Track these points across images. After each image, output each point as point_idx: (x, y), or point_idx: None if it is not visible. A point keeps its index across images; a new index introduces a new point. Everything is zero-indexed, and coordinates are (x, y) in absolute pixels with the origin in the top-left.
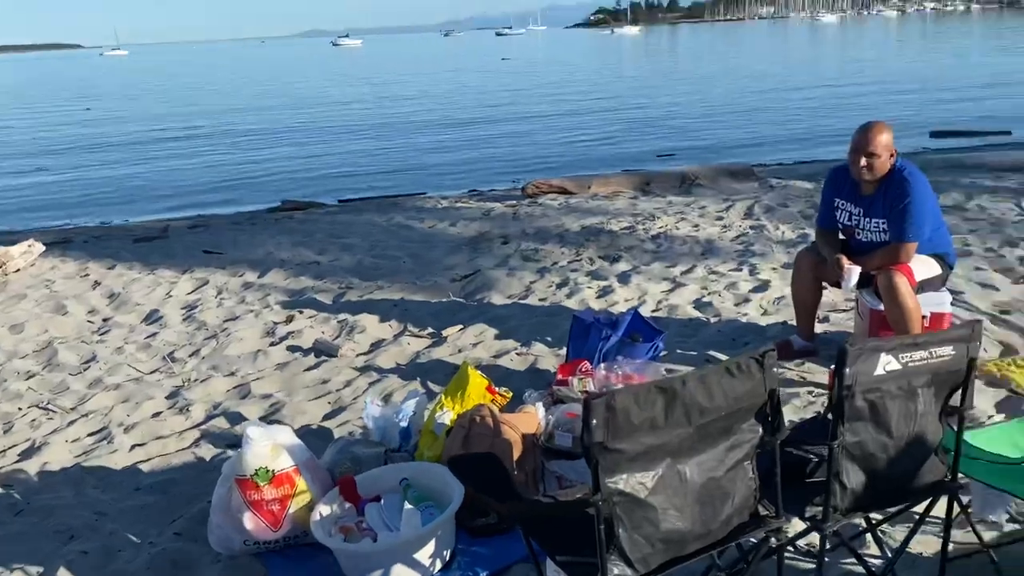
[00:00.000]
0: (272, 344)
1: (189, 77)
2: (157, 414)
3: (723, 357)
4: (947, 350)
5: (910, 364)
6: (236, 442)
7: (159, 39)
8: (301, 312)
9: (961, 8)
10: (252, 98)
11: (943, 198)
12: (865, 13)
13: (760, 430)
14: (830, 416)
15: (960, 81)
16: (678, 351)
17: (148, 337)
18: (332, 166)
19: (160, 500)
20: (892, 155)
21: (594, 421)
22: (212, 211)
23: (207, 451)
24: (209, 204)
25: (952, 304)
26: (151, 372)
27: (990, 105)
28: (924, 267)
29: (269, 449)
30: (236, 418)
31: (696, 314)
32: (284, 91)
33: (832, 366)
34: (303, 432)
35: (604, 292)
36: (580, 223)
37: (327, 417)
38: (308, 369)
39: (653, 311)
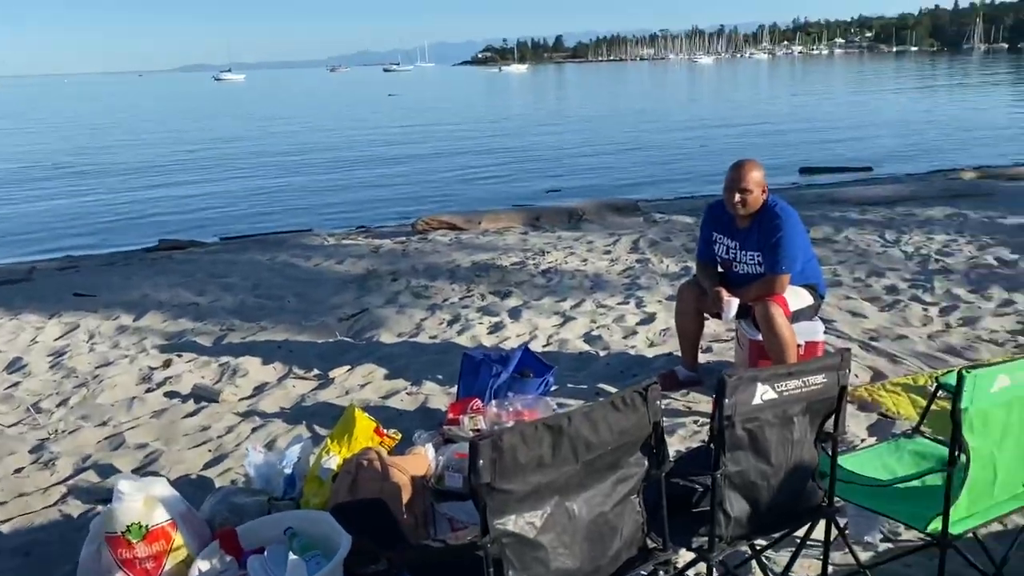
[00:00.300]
0: (148, 390)
1: (58, 112)
2: (19, 470)
3: (612, 389)
4: (819, 378)
5: (785, 393)
6: (107, 497)
7: (23, 71)
8: (180, 356)
9: (825, 52)
10: (125, 134)
11: (814, 231)
12: (739, 56)
13: (646, 463)
14: (713, 446)
15: (825, 120)
16: (569, 385)
17: (9, 387)
18: (213, 204)
19: (22, 564)
20: (764, 191)
21: (481, 462)
22: (84, 252)
23: (75, 508)
24: (80, 245)
25: (824, 332)
26: (12, 425)
27: (853, 143)
28: (797, 298)
29: (142, 503)
30: (107, 471)
31: (586, 347)
32: (162, 127)
33: (714, 395)
34: (181, 482)
35: (495, 328)
36: (471, 259)
37: (207, 466)
38: (187, 416)
39: (544, 346)
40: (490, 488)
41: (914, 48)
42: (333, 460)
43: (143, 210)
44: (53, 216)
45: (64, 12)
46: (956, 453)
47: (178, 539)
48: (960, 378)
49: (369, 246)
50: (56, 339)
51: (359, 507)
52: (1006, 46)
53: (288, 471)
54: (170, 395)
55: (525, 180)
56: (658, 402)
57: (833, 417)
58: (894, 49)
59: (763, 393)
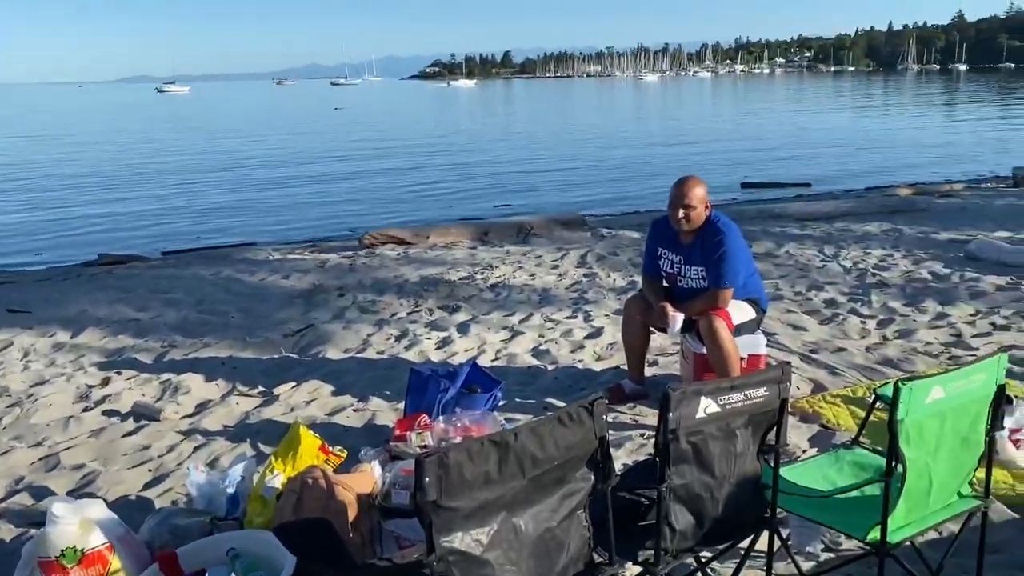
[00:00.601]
0: (86, 409)
1: None
2: None
3: (560, 404)
4: (761, 391)
5: (728, 406)
6: (40, 520)
7: None
8: (119, 373)
9: (767, 71)
10: (64, 147)
11: (756, 246)
12: (683, 74)
13: (592, 478)
14: (658, 459)
15: (766, 138)
16: (517, 400)
17: None
18: (156, 219)
19: None
20: (707, 207)
21: (427, 479)
22: (19, 267)
23: (6, 532)
24: (16, 261)
25: (766, 345)
26: None
27: (792, 159)
28: (740, 311)
29: (77, 526)
30: (42, 493)
31: (534, 362)
32: (102, 139)
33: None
34: (120, 504)
35: (444, 343)
36: (419, 273)
37: (147, 486)
38: (126, 435)
39: (493, 360)
40: (436, 505)
41: (851, 68)
42: (277, 479)
43: (83, 224)
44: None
45: None
46: (893, 463)
47: (115, 563)
48: (896, 390)
49: (315, 261)
50: None
51: (303, 527)
52: (937, 67)
53: (231, 490)
54: (109, 414)
55: (474, 195)
56: (604, 416)
57: (775, 429)
58: (832, 69)
59: (707, 407)
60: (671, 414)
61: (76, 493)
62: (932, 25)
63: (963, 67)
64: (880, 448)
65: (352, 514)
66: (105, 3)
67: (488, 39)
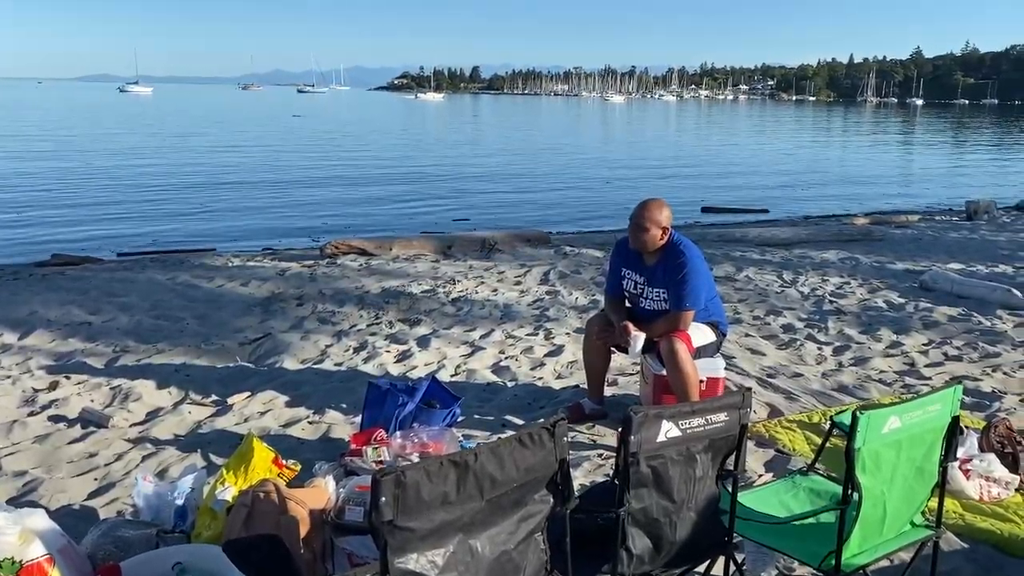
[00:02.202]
0: (31, 414)
1: None
2: None
3: (519, 421)
4: (721, 416)
5: (689, 430)
6: None
7: None
8: (68, 378)
9: (730, 97)
10: (22, 144)
11: (717, 269)
12: (649, 96)
13: (551, 500)
14: (617, 482)
15: (728, 162)
16: (476, 416)
17: None
18: (112, 220)
19: None
20: (666, 230)
21: (383, 499)
22: None
23: None
24: None
25: (725, 369)
26: None
27: (752, 185)
28: (701, 334)
29: (16, 537)
30: None
31: (494, 378)
32: (59, 136)
33: (620, 430)
34: (62, 513)
35: (403, 356)
36: (381, 285)
37: (92, 495)
38: (72, 442)
39: (452, 375)
40: (392, 525)
41: (812, 98)
42: (228, 491)
43: (35, 223)
44: None
45: None
46: (849, 491)
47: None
48: (854, 419)
49: (275, 268)
50: None
51: (253, 542)
52: (895, 100)
53: (179, 502)
54: (55, 419)
55: (435, 207)
56: (565, 439)
57: (734, 455)
58: (794, 98)
59: (668, 430)
60: (632, 437)
61: (17, 501)
62: (891, 59)
63: (920, 102)
64: (835, 475)
65: (304, 530)
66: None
67: (457, 54)
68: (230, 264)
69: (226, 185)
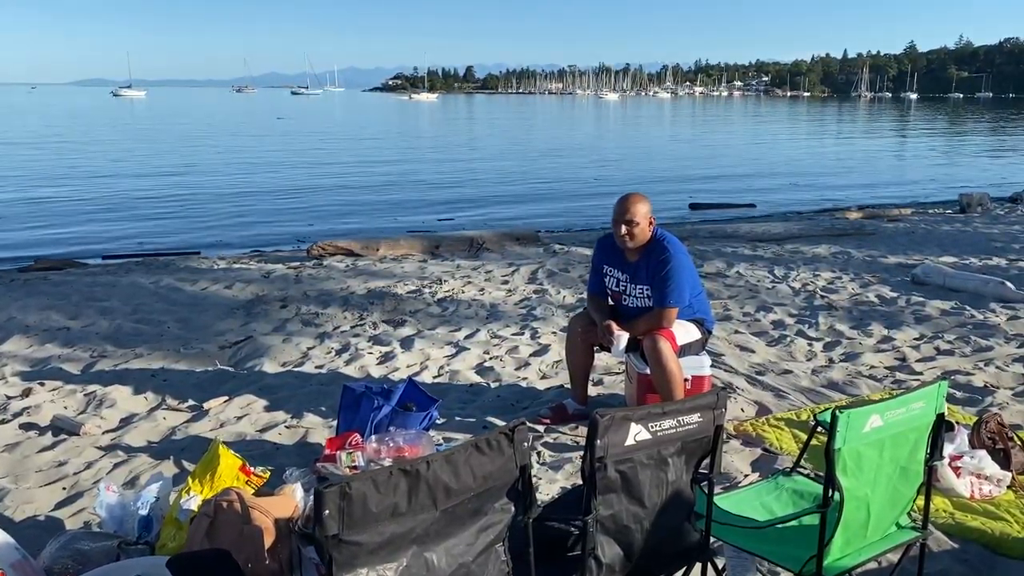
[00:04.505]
0: (2, 421)
1: None
2: None
3: (501, 423)
4: (694, 418)
5: (660, 433)
6: None
7: None
8: (42, 384)
9: (725, 93)
10: (9, 146)
11: (707, 266)
12: (643, 94)
13: (512, 509)
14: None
15: (718, 157)
16: (457, 418)
17: None
18: (97, 222)
19: None
20: (651, 224)
21: (326, 511)
22: None
23: None
24: None
25: (712, 366)
26: None
27: (741, 180)
28: (685, 332)
29: None
30: None
31: (477, 379)
32: (49, 140)
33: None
34: (27, 524)
35: (386, 358)
36: (366, 286)
37: (59, 506)
38: (42, 450)
39: (435, 377)
40: (337, 540)
41: (807, 93)
42: (194, 500)
43: (18, 227)
44: None
45: None
46: (830, 493)
47: None
48: (834, 418)
49: (260, 271)
50: None
51: (199, 558)
52: (889, 95)
53: (143, 512)
54: (26, 427)
55: (422, 207)
56: (525, 444)
57: (709, 457)
58: (788, 94)
59: (637, 433)
60: (598, 441)
61: None
62: (885, 54)
63: (914, 96)
64: (821, 475)
65: (269, 540)
66: (60, 3)
67: (451, 54)
68: (216, 266)
69: (215, 186)
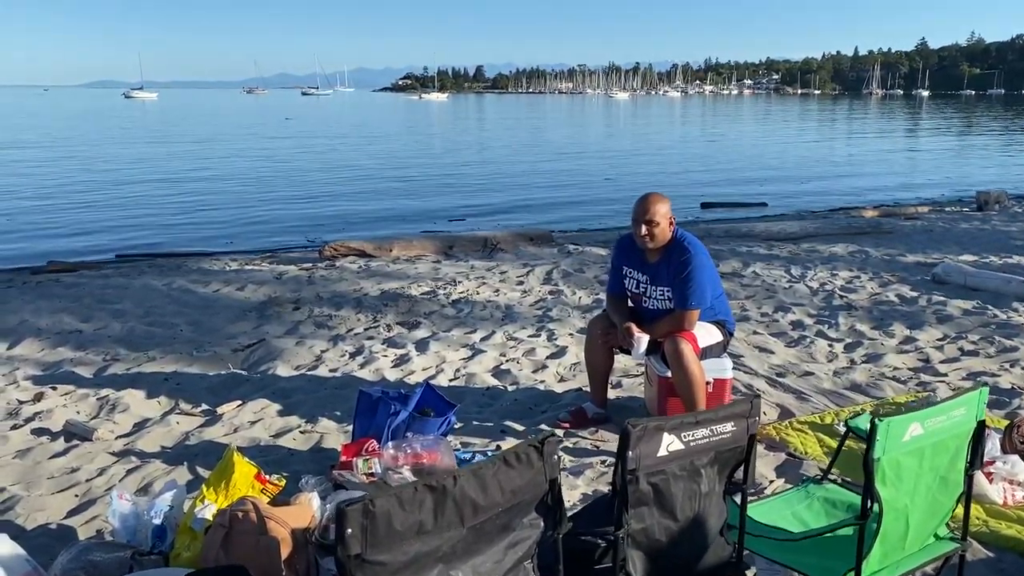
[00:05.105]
0: (14, 427)
1: None
2: None
3: (519, 427)
4: (728, 427)
5: (692, 443)
6: None
7: None
8: (54, 388)
9: (735, 92)
10: (24, 150)
11: (723, 265)
12: (653, 92)
13: (541, 524)
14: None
15: (729, 156)
16: (474, 423)
17: None
18: (112, 224)
19: None
20: (671, 223)
21: (349, 530)
22: None
23: None
24: None
25: (733, 368)
26: None
27: (753, 178)
28: (707, 334)
29: None
30: None
31: (494, 382)
32: (63, 142)
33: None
34: (39, 532)
35: (401, 361)
36: (380, 287)
37: (72, 513)
38: (55, 456)
39: (451, 380)
40: (360, 560)
41: (817, 91)
42: (209, 509)
43: (32, 228)
44: None
45: None
46: (869, 505)
47: None
48: (873, 427)
49: (273, 272)
50: None
51: (225, 572)
52: (901, 92)
53: (157, 521)
54: (38, 432)
55: (436, 206)
56: (555, 456)
57: (742, 466)
58: (799, 92)
59: (669, 444)
60: (630, 452)
61: None
62: (896, 51)
63: (925, 93)
64: (850, 479)
65: (286, 551)
66: (73, 6)
67: (461, 54)
68: (228, 268)
69: (225, 188)
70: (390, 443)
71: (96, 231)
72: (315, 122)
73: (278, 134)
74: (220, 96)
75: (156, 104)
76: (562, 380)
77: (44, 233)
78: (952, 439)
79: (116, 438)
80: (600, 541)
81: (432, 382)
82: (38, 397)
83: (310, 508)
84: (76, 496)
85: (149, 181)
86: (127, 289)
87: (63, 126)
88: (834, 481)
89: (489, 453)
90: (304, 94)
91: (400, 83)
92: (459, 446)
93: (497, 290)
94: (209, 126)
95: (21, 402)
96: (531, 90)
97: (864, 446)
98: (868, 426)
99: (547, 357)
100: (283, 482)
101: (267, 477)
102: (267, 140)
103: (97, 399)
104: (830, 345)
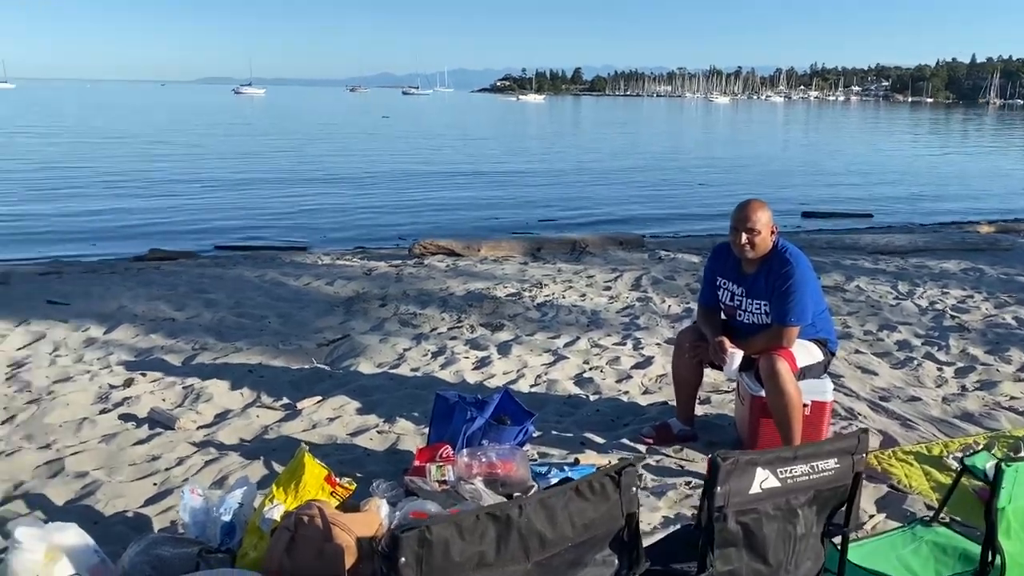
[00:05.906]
0: (103, 411)
1: (84, 119)
2: None
3: (600, 440)
4: (830, 463)
5: (790, 480)
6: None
7: (39, 74)
8: (144, 375)
9: (841, 98)
10: (143, 143)
11: (824, 278)
12: (755, 97)
13: (616, 562)
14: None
15: (833, 166)
16: (553, 432)
17: None
18: (216, 214)
19: None
20: (773, 232)
21: (403, 559)
22: (72, 257)
23: None
24: (69, 250)
25: (833, 390)
26: None
27: (857, 188)
28: (806, 353)
29: (43, 555)
30: (38, 502)
31: (576, 391)
32: (179, 135)
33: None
34: (116, 520)
35: (482, 363)
36: (465, 287)
37: (149, 502)
38: (138, 443)
39: (532, 386)
40: None
41: (929, 99)
42: (277, 509)
43: (140, 218)
44: (51, 220)
45: (80, 15)
46: (989, 559)
47: None
48: (998, 472)
49: (363, 268)
50: (19, 349)
51: None
52: (1021, 102)
53: (226, 518)
54: (124, 418)
55: (526, 207)
56: (634, 488)
57: (845, 507)
58: (909, 99)
59: (763, 480)
60: (718, 489)
61: (74, 504)
62: (1017, 59)
63: None
64: (960, 519)
65: (350, 560)
66: (187, 5)
67: (559, 55)
68: (320, 262)
69: (324, 183)
70: (465, 450)
71: (204, 221)
72: (414, 121)
73: (377, 132)
74: (324, 93)
75: (263, 100)
76: (647, 392)
77: (147, 221)
78: None
79: (197, 428)
80: None
81: (512, 387)
82: (128, 383)
83: (378, 516)
84: (154, 484)
85: (255, 173)
86: (221, 279)
87: (178, 120)
88: (945, 524)
89: (566, 468)
90: (405, 93)
91: (498, 84)
92: (536, 456)
93: (583, 294)
94: (315, 123)
95: (112, 387)
96: (628, 93)
97: (979, 483)
98: (987, 466)
99: (632, 367)
100: (353, 486)
101: (337, 480)
102: (368, 137)
103: (183, 387)
104: (939, 369)
